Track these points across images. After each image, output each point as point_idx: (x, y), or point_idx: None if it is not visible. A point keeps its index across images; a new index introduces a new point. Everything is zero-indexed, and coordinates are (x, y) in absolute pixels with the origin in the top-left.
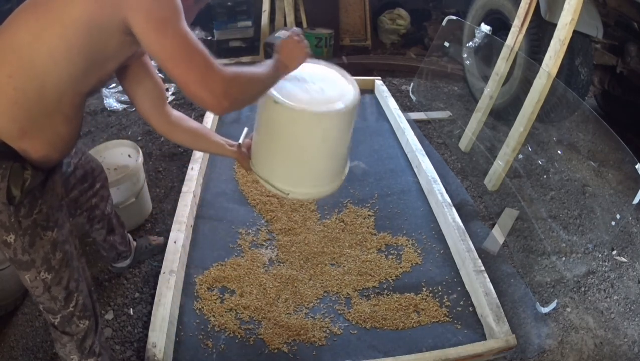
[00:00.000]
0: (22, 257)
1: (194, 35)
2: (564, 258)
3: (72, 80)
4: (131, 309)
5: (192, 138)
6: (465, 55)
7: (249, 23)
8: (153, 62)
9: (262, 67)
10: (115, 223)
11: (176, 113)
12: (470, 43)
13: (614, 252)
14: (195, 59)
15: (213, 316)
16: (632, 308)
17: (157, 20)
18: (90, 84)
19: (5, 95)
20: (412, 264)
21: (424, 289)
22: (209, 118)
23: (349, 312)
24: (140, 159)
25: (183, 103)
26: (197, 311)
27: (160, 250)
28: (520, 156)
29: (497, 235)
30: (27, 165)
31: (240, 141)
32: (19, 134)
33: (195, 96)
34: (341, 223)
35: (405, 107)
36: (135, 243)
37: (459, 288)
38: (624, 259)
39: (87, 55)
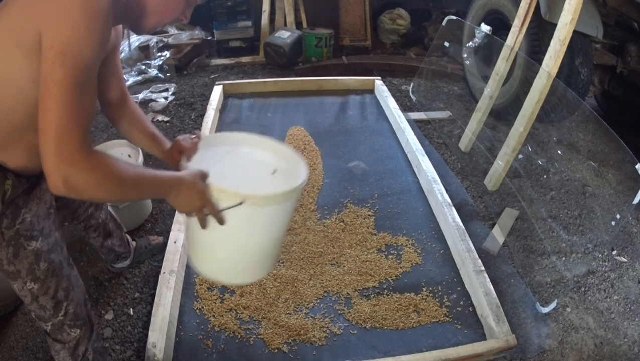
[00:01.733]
0: (8, 267)
1: (91, 98)
2: (564, 258)
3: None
4: (131, 309)
5: (130, 132)
6: (465, 55)
7: (249, 23)
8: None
9: (149, 175)
10: (112, 227)
11: (133, 112)
12: (470, 43)
13: (614, 252)
14: (71, 116)
15: (213, 316)
16: (632, 308)
17: (59, 51)
18: None
19: None
20: (412, 264)
21: (424, 289)
22: (209, 118)
23: (349, 312)
24: (140, 159)
25: (183, 103)
26: (197, 311)
27: (160, 250)
28: (520, 156)
29: (497, 235)
30: (9, 174)
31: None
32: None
33: (42, 151)
34: (341, 223)
35: (405, 107)
36: (134, 243)
37: (459, 288)
38: (624, 259)
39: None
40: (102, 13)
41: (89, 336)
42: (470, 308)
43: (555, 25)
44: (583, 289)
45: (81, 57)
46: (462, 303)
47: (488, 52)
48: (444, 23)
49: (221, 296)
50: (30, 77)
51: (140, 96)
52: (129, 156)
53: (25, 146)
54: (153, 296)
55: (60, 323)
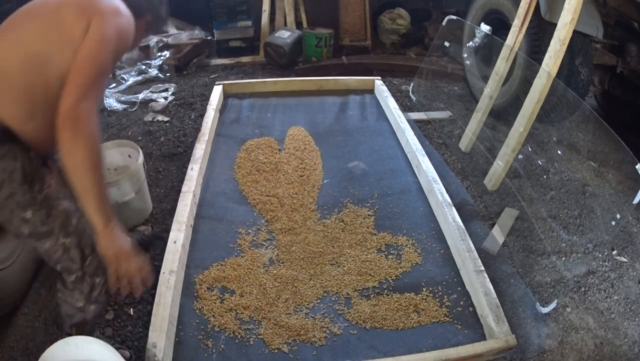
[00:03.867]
0: (42, 228)
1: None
2: (564, 258)
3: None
4: (131, 309)
5: None
6: (465, 55)
7: (249, 23)
8: None
9: (103, 197)
10: None
11: None
12: (470, 43)
13: (614, 252)
14: (96, 84)
15: (213, 316)
16: (632, 308)
17: (100, 37)
18: None
19: (16, 86)
20: (412, 264)
21: (424, 289)
22: (209, 118)
23: (349, 312)
24: (141, 159)
25: (183, 103)
26: (197, 311)
27: (155, 239)
28: (520, 156)
29: (497, 235)
30: (30, 147)
31: None
32: (26, 118)
33: (67, 96)
34: (341, 223)
35: (405, 107)
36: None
37: (459, 288)
38: (624, 259)
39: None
40: (125, 35)
41: (103, 283)
42: (470, 308)
43: (555, 25)
44: (583, 289)
45: (116, 46)
46: (462, 303)
47: (488, 52)
48: (444, 23)
49: (221, 296)
50: (68, 59)
51: (140, 96)
52: (129, 156)
53: (47, 120)
54: (153, 296)
55: (83, 273)
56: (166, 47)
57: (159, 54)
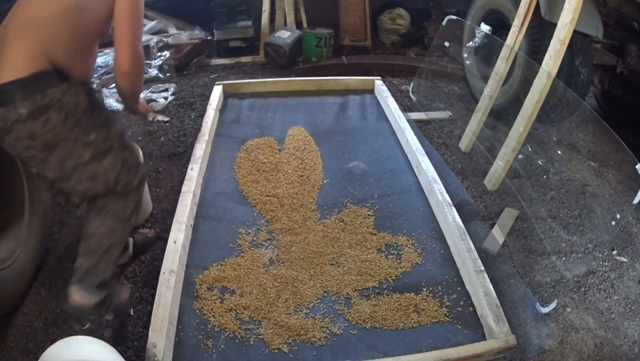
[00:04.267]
0: (104, 145)
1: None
2: (564, 258)
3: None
4: (131, 309)
5: None
6: (465, 55)
7: (249, 23)
8: None
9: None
10: None
11: None
12: (470, 43)
13: (614, 252)
14: (139, 30)
15: (213, 316)
16: (632, 308)
17: None
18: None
19: (63, 31)
20: (412, 264)
21: (424, 289)
22: (209, 118)
23: (349, 312)
24: (140, 158)
25: (183, 103)
26: (197, 311)
27: (157, 241)
28: (520, 156)
29: (497, 235)
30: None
31: None
32: (73, 56)
33: (124, 49)
34: (341, 223)
35: (405, 107)
36: (132, 239)
37: (459, 288)
38: (624, 259)
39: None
40: None
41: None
42: (470, 308)
43: (555, 25)
44: (583, 289)
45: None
46: (462, 303)
47: (488, 52)
48: (444, 23)
49: (221, 296)
50: (101, 4)
51: (141, 96)
52: None
53: (86, 56)
54: (153, 296)
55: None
56: (166, 47)
57: (159, 54)
